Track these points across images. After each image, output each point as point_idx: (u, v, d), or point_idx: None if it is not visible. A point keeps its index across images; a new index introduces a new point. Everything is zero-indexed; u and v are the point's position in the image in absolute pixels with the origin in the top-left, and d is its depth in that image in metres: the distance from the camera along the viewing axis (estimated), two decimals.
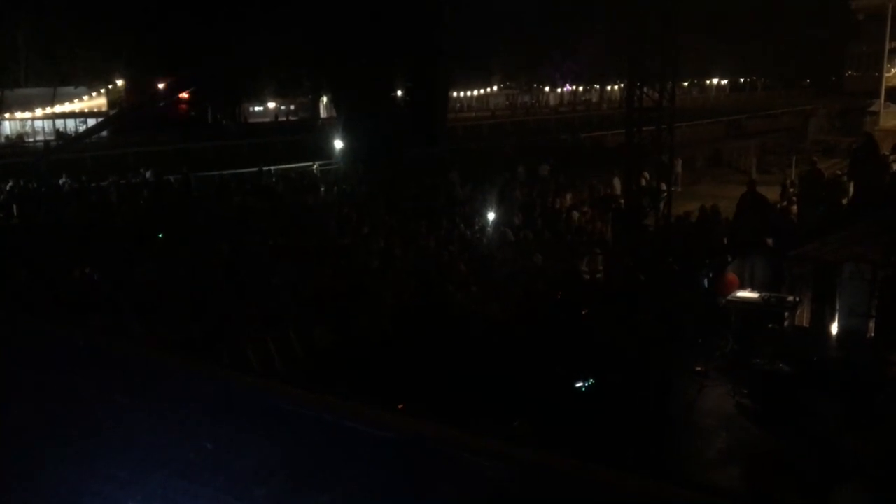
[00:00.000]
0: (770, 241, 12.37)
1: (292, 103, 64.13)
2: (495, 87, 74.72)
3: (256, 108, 63.41)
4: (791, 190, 19.68)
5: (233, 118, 57.16)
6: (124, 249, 14.66)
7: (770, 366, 9.56)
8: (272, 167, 27.79)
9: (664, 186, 14.31)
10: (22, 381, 2.85)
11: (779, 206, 18.31)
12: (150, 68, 51.43)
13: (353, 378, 9.11)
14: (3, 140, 52.36)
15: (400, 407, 7.26)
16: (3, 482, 2.30)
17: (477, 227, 16.89)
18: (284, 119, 62.00)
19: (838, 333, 11.26)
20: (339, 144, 31.44)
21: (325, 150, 31.94)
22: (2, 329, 3.26)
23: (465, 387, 8.65)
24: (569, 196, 19.83)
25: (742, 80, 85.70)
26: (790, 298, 11.20)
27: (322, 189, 23.58)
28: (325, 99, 57.42)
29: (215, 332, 10.16)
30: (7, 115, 52.67)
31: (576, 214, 18.28)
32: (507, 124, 55.26)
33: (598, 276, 14.14)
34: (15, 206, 20.76)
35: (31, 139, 53.00)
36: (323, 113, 59.56)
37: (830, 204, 17.63)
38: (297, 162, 29.80)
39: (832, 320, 11.42)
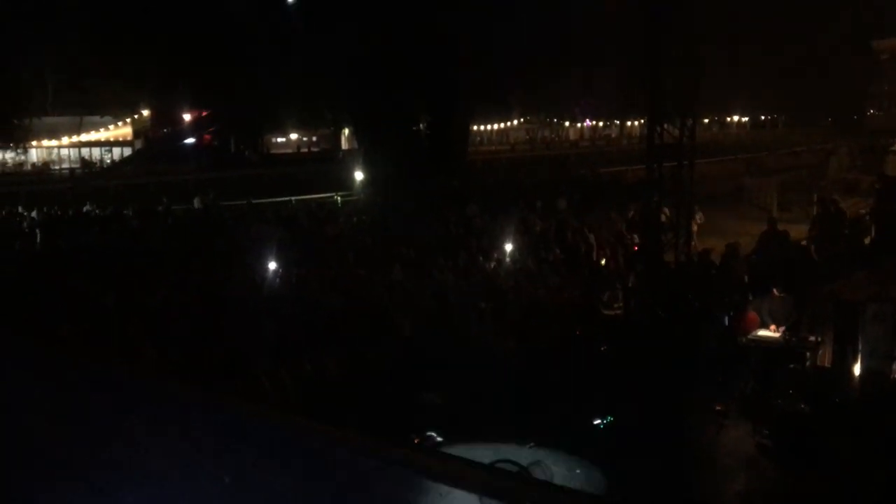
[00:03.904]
0: (777, 290, 12.15)
1: (314, 135, 64.76)
2: (515, 122, 75.13)
3: (279, 139, 64.06)
4: (814, 231, 19.49)
5: (255, 149, 57.77)
6: (143, 277, 14.77)
7: (791, 406, 9.44)
8: (293, 198, 28.01)
9: (683, 223, 14.27)
10: (35, 408, 2.86)
11: (802, 243, 18.15)
12: (175, 99, 52.28)
13: (366, 410, 9.08)
14: (29, 167, 53.22)
15: (416, 441, 7.20)
16: None
17: (494, 260, 16.87)
18: (306, 150, 62.59)
19: (861, 374, 11.08)
20: (359, 176, 31.66)
21: (346, 182, 32.18)
22: (16, 355, 3.27)
23: (480, 422, 8.59)
24: (587, 230, 19.78)
25: (763, 117, 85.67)
26: (811, 338, 11.06)
27: (341, 219, 23.71)
28: (346, 131, 57.94)
29: (231, 361, 10.17)
30: (34, 143, 53.58)
31: (595, 249, 18.22)
32: (526, 158, 55.47)
33: (618, 312, 14.06)
34: (38, 233, 21.01)
35: (57, 167, 53.83)
36: (344, 144, 60.07)
37: (852, 243, 17.48)
38: (319, 193, 30.04)
39: (854, 361, 11.25)
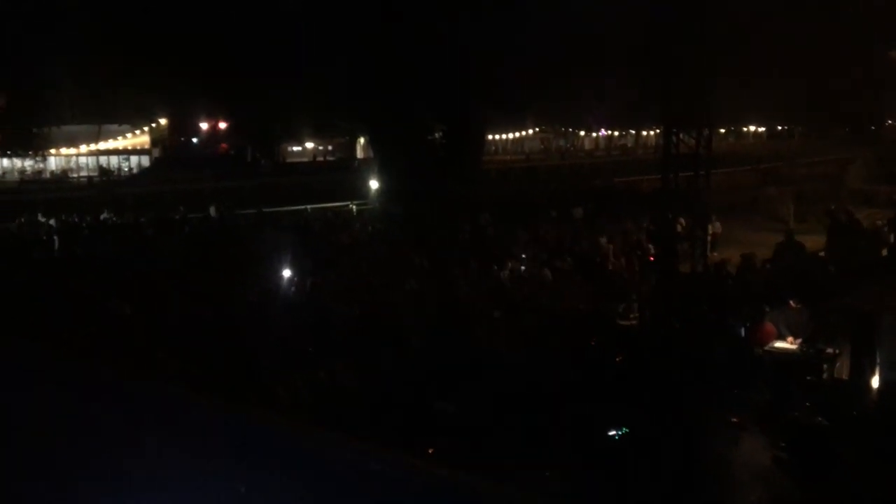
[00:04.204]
0: (794, 301, 12.08)
1: (329, 143, 64.99)
2: (530, 131, 75.11)
3: (294, 148, 64.33)
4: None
5: (271, 157, 58.05)
6: (158, 285, 14.86)
7: (807, 419, 9.35)
8: (308, 206, 28.14)
9: (699, 233, 14.21)
10: (48, 417, 2.85)
11: (819, 254, 18.05)
12: (192, 109, 52.76)
13: (378, 419, 9.07)
14: (48, 175, 53.73)
15: (430, 451, 7.18)
16: None
17: (508, 269, 16.84)
18: (322, 159, 62.82)
19: (879, 387, 10.97)
20: (374, 185, 31.79)
21: (361, 190, 32.31)
22: (28, 362, 3.27)
23: (494, 434, 8.56)
24: (603, 240, 19.72)
25: (779, 127, 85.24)
26: (828, 350, 10.96)
27: (357, 227, 23.79)
28: (361, 140, 58.15)
29: (245, 369, 10.20)
30: (53, 151, 54.11)
31: (609, 259, 18.16)
32: (541, 168, 55.46)
33: (633, 322, 13.99)
34: (56, 240, 21.17)
35: (76, 175, 54.34)
36: (360, 153, 60.27)
37: (870, 254, 17.37)
38: (334, 201, 30.19)
39: (872, 373, 11.13)
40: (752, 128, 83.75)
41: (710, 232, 18.19)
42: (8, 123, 47.97)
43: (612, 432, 9.81)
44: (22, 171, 53.12)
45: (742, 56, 44.64)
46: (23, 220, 24.58)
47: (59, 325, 11.60)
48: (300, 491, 2.17)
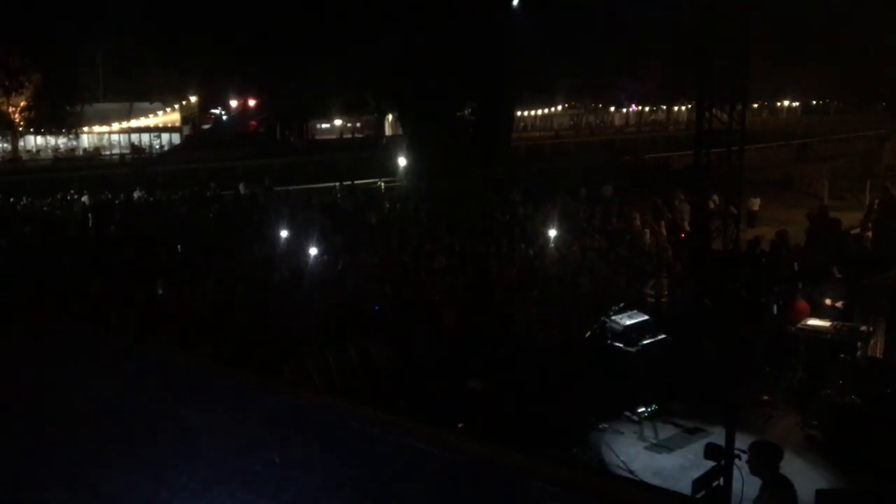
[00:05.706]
0: (837, 270, 11.97)
1: (358, 121, 65.01)
2: (559, 107, 74.46)
3: (323, 125, 64.45)
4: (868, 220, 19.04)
5: (300, 135, 58.23)
6: (190, 263, 15.00)
7: (841, 398, 9.26)
8: (337, 183, 28.23)
9: (732, 210, 14.02)
10: (91, 393, 2.93)
11: (853, 231, 17.78)
12: (223, 87, 53.00)
13: (411, 397, 9.12)
14: (80, 153, 54.43)
15: (459, 426, 7.22)
16: (73, 492, 2.36)
17: (538, 247, 16.78)
18: (350, 136, 62.91)
19: None
20: (402, 162, 31.76)
21: (389, 168, 32.33)
22: (73, 342, 3.36)
23: (524, 411, 8.59)
24: (635, 220, 19.54)
25: (814, 102, 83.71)
26: (863, 328, 10.82)
27: (386, 205, 23.79)
28: (390, 116, 58.06)
29: (278, 348, 10.29)
30: (86, 129, 54.77)
31: (640, 237, 18.01)
32: (570, 144, 55.05)
33: (664, 300, 13.89)
34: (90, 218, 21.40)
35: (108, 152, 55.02)
36: (388, 130, 60.23)
37: None
38: (363, 178, 30.24)
39: None
40: (787, 103, 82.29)
41: (749, 209, 17.95)
42: (42, 101, 48.62)
43: (642, 409, 9.80)
44: (55, 149, 53.87)
45: (777, 29, 43.79)
46: (58, 197, 24.96)
47: (95, 303, 11.79)
48: (333, 463, 2.21)
